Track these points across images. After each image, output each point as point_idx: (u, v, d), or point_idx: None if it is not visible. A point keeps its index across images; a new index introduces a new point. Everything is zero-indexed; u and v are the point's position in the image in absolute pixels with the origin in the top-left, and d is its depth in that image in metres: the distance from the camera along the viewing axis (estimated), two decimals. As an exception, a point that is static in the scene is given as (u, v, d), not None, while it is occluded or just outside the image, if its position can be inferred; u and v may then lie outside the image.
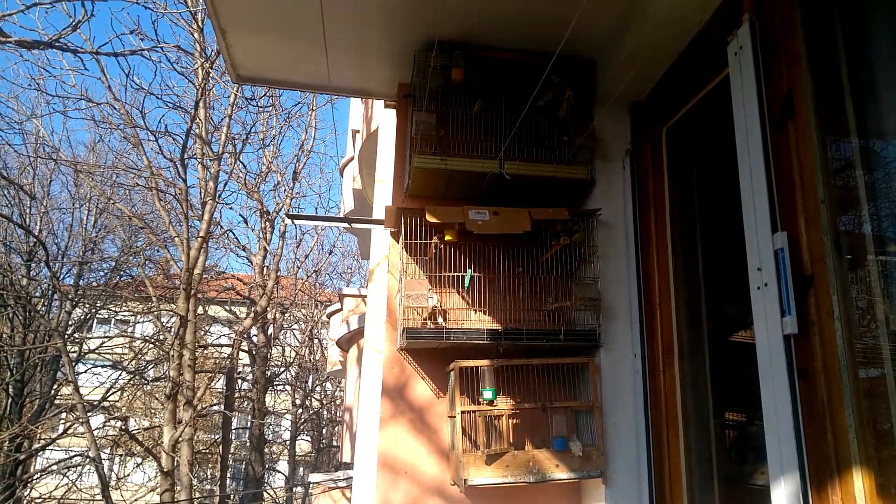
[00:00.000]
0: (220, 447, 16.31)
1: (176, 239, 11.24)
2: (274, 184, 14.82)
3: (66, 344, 12.56)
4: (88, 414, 12.56)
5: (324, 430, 22.54)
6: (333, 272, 23.69)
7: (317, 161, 28.07)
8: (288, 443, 21.91)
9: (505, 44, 2.93)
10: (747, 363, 2.02)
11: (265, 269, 14.48)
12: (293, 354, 20.89)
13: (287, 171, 14.79)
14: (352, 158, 8.31)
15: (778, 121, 1.95)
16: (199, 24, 10.31)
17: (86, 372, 16.02)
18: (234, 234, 18.59)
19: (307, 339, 20.70)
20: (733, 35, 2.14)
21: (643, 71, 2.85)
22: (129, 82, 16.07)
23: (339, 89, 3.52)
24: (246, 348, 16.55)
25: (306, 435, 22.80)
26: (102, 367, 16.19)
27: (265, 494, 17.92)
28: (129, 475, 16.85)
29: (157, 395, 15.35)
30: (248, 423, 18.85)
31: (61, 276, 15.75)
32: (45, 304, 15.98)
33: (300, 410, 21.36)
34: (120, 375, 15.34)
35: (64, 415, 15.11)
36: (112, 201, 13.67)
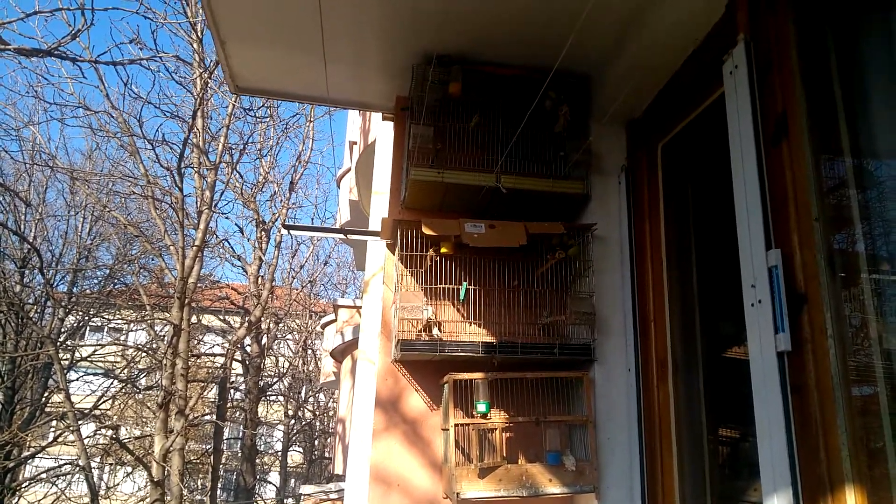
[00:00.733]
0: (212, 457, 16.21)
1: (171, 248, 11.21)
2: (270, 194, 14.84)
3: (59, 351, 12.49)
4: (79, 422, 12.47)
5: (316, 442, 22.42)
6: (328, 283, 23.66)
7: (314, 172, 28.16)
8: (280, 454, 21.77)
9: (503, 59, 2.95)
10: (741, 379, 2.02)
11: (260, 278, 14.45)
12: (287, 365, 20.80)
13: (284, 181, 14.83)
14: (349, 170, 8.33)
15: (772, 139, 1.96)
16: (199, 34, 10.35)
17: (77, 380, 15.90)
18: (229, 244, 18.52)
19: (301, 349, 20.63)
20: (728, 54, 2.17)
21: (639, 88, 2.88)
22: (128, 91, 16.10)
23: (337, 101, 3.53)
24: (239, 358, 16.49)
25: (298, 446, 22.68)
26: (94, 375, 16.09)
27: (256, 506, 17.77)
28: (118, 484, 16.70)
29: (148, 404, 15.25)
30: (240, 434, 18.73)
31: (55, 284, 15.68)
32: (38, 310, 15.90)
33: (293, 421, 21.24)
34: (112, 384, 15.23)
35: (54, 422, 14.98)
36: (108, 209, 13.62)
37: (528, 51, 2.87)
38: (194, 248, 10.78)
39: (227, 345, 15.55)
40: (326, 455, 21.49)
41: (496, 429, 2.72)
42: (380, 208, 4.34)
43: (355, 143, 7.79)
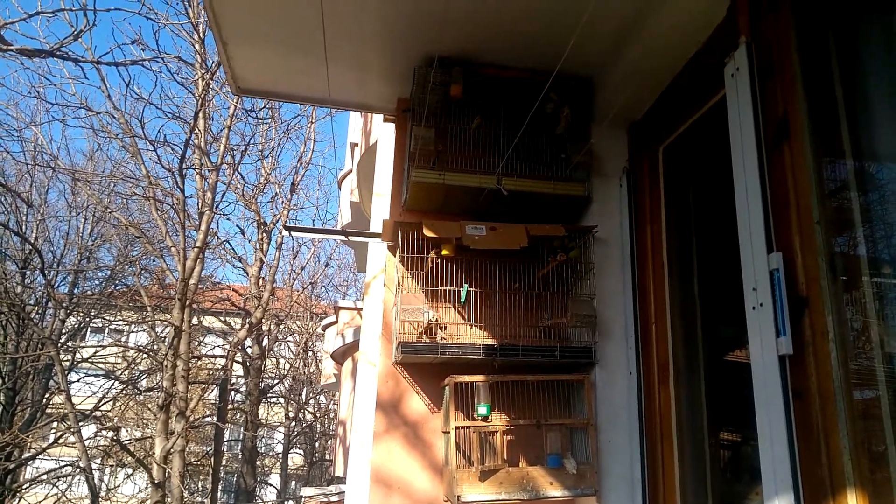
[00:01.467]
0: (212, 459, 16.20)
1: (172, 249, 11.21)
2: (272, 195, 14.83)
3: (59, 352, 12.49)
4: (80, 423, 12.47)
5: (317, 444, 22.39)
6: (329, 284, 23.66)
7: (315, 173, 28.16)
8: (280, 456, 21.75)
9: (504, 61, 2.95)
10: (742, 383, 2.02)
11: (261, 280, 14.45)
12: (287, 367, 20.80)
13: (285, 182, 14.81)
14: (350, 171, 8.33)
15: (773, 142, 1.96)
16: (201, 35, 10.36)
17: (78, 381, 15.91)
18: (230, 245, 18.55)
19: (302, 351, 20.61)
20: (730, 56, 2.16)
21: (640, 90, 2.88)
22: (130, 92, 16.07)
23: (339, 103, 3.54)
24: (240, 359, 16.48)
25: (299, 448, 22.65)
26: (95, 376, 16.09)
27: (256, 508, 17.76)
28: (119, 486, 16.68)
29: (149, 406, 15.25)
30: (241, 436, 18.72)
31: (56, 285, 15.69)
32: (39, 311, 15.90)
33: (293, 423, 21.22)
34: (113, 385, 15.23)
35: (55, 424, 14.97)
36: (109, 210, 13.63)
37: (529, 53, 2.87)
38: (195, 249, 10.78)
39: (227, 346, 15.54)
40: (327, 457, 21.47)
41: (497, 431, 2.72)
42: (381, 210, 4.33)
43: (357, 144, 7.79)
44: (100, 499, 12.73)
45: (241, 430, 18.16)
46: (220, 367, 16.25)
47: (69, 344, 15.39)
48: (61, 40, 7.32)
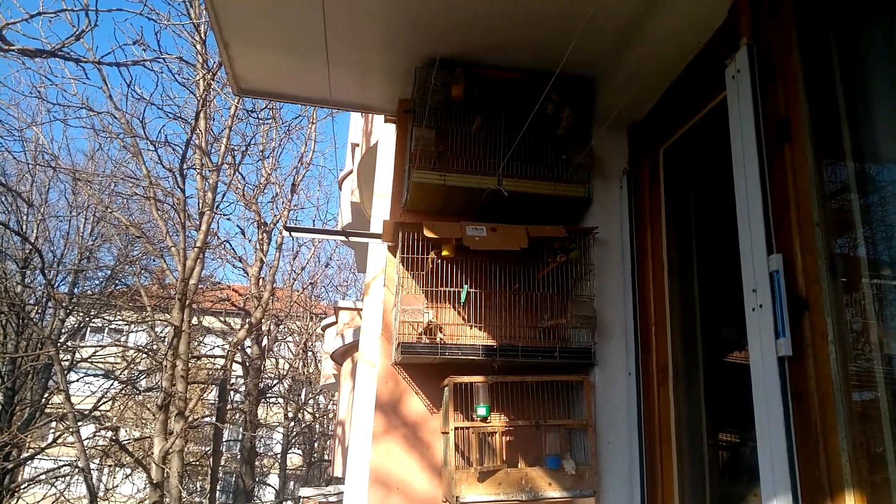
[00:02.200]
0: (211, 459, 16.18)
1: (172, 249, 11.21)
2: (272, 196, 14.83)
3: (59, 352, 12.48)
4: (79, 423, 12.46)
5: (316, 444, 22.38)
6: (329, 285, 23.66)
7: (315, 174, 28.18)
8: (279, 456, 21.73)
9: (505, 62, 2.95)
10: (741, 384, 2.02)
11: (261, 280, 14.44)
12: (287, 367, 20.78)
13: (286, 183, 14.81)
14: (350, 172, 8.34)
15: (774, 143, 1.96)
16: (202, 35, 10.36)
17: (78, 381, 15.90)
18: (230, 245, 18.55)
19: (301, 351, 20.60)
20: (731, 58, 2.17)
21: (641, 91, 2.88)
22: (131, 92, 16.16)
23: (340, 103, 3.54)
24: (239, 360, 16.47)
25: (298, 448, 22.63)
26: (94, 376, 16.08)
27: (255, 508, 17.74)
28: (118, 486, 16.66)
29: (148, 406, 15.24)
30: (240, 436, 18.71)
31: (56, 284, 15.68)
32: (39, 311, 15.90)
33: (292, 423, 21.21)
34: (112, 385, 15.23)
35: (54, 424, 14.97)
36: (110, 210, 13.62)
37: (530, 54, 2.87)
38: (196, 249, 10.78)
39: (227, 346, 15.54)
40: (326, 458, 21.45)
41: (496, 432, 2.72)
42: (381, 211, 4.33)
43: (357, 145, 7.80)
44: (98, 499, 12.72)
45: (240, 430, 18.15)
46: (219, 367, 16.24)
47: (69, 343, 15.38)
48: (63, 40, 7.33)
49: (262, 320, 14.62)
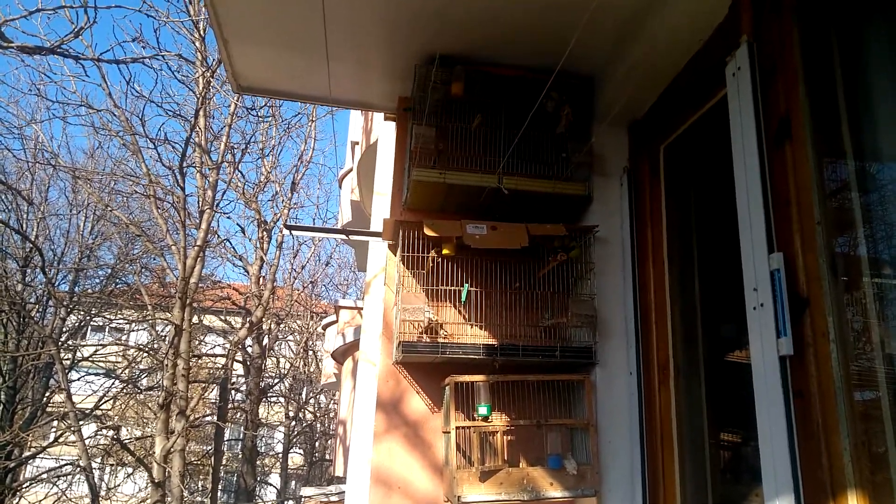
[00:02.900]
0: (212, 459, 16.21)
1: (173, 247, 11.21)
2: (272, 194, 14.84)
3: (60, 351, 12.50)
4: (80, 422, 12.47)
5: (317, 444, 22.40)
6: (330, 283, 23.67)
7: (315, 172, 28.12)
8: (280, 455, 21.76)
9: (505, 59, 2.95)
10: (743, 383, 2.02)
11: (261, 279, 14.45)
12: (288, 366, 20.80)
13: (285, 181, 14.80)
14: (350, 170, 8.33)
15: (775, 141, 1.96)
16: (201, 32, 10.36)
17: (79, 380, 15.91)
18: (231, 244, 18.54)
19: (302, 350, 20.62)
20: (731, 56, 2.16)
21: (642, 89, 2.87)
22: (130, 89, 16.15)
23: (340, 101, 3.53)
24: (240, 359, 16.48)
25: (299, 448, 22.66)
26: (96, 375, 16.10)
27: (256, 507, 17.76)
28: (119, 485, 16.70)
29: (149, 405, 15.26)
30: (241, 435, 18.73)
31: (57, 283, 15.69)
32: (40, 310, 15.91)
33: (293, 423, 21.23)
34: (113, 384, 15.24)
35: (55, 423, 14.98)
36: (110, 208, 13.63)
37: (530, 52, 2.87)
38: (196, 247, 10.78)
39: (228, 345, 15.54)
40: (327, 457, 21.48)
41: (497, 432, 2.72)
42: (381, 209, 4.33)
43: (357, 143, 7.79)
44: (100, 498, 12.74)
45: (242, 429, 18.18)
46: (220, 366, 16.26)
47: (70, 342, 15.40)
48: (62, 38, 7.32)
49: (263, 319, 14.63)
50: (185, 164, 10.79)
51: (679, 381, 2.63)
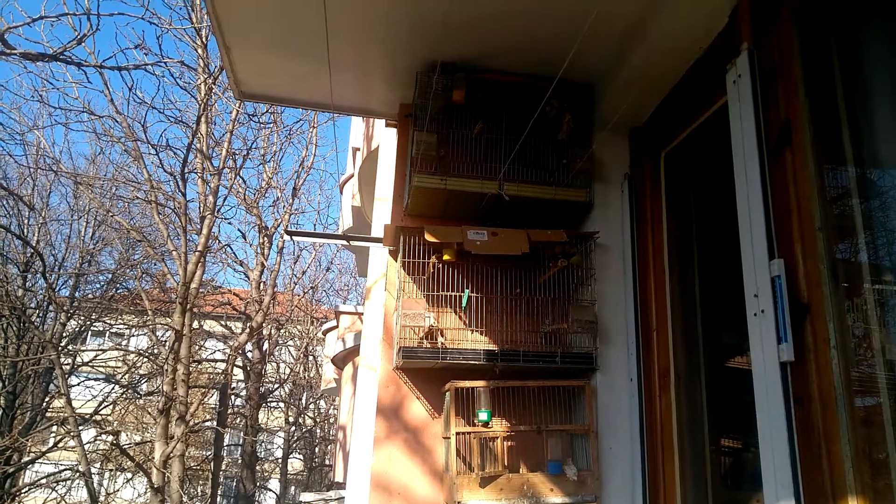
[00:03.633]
0: (212, 464, 16.16)
1: (174, 252, 11.21)
2: (273, 199, 14.86)
3: (60, 356, 12.48)
4: (80, 427, 12.44)
5: (316, 449, 22.35)
6: (330, 289, 23.63)
7: (316, 178, 28.14)
8: (280, 461, 21.70)
9: (506, 66, 2.96)
10: (743, 389, 2.02)
11: (262, 284, 14.44)
12: (288, 371, 20.76)
13: (287, 187, 14.79)
14: (351, 176, 8.34)
15: (775, 148, 1.96)
16: (203, 40, 10.38)
17: (78, 385, 15.89)
18: (231, 249, 18.58)
19: (302, 355, 20.59)
20: (732, 63, 2.17)
21: (642, 96, 2.88)
22: (132, 96, 16.14)
23: (341, 108, 3.54)
24: (240, 364, 16.46)
25: (299, 453, 22.60)
26: (95, 380, 16.07)
27: (256, 513, 17.70)
28: (118, 490, 16.62)
29: (149, 410, 15.23)
30: (241, 440, 18.68)
31: (57, 288, 15.67)
32: (40, 315, 15.89)
33: (293, 428, 21.18)
34: (113, 389, 15.22)
35: (55, 428, 14.95)
36: (111, 214, 13.63)
37: (531, 59, 2.88)
38: (197, 253, 10.77)
39: (228, 350, 15.52)
40: (327, 462, 21.42)
41: (497, 437, 2.71)
42: (382, 215, 4.33)
43: (358, 149, 7.80)
44: (99, 503, 12.69)
45: (241, 434, 18.13)
46: (220, 371, 16.23)
47: (70, 347, 15.38)
48: (65, 44, 7.35)
49: (263, 324, 14.61)
50: (186, 170, 10.79)
51: (680, 386, 2.63)
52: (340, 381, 11.05)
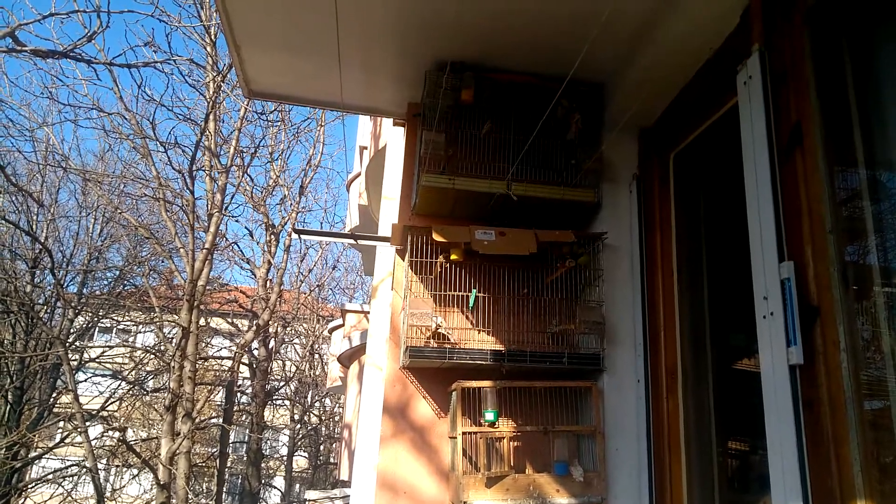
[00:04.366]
0: (218, 461, 16.21)
1: (181, 250, 11.25)
2: (280, 198, 14.84)
3: (67, 352, 12.54)
4: (87, 423, 12.51)
5: (321, 447, 22.40)
6: (336, 287, 23.68)
7: (324, 176, 28.20)
8: (285, 458, 21.76)
9: (515, 66, 2.96)
10: (751, 392, 2.01)
11: (268, 282, 14.48)
12: (293, 369, 20.82)
13: (294, 185, 14.83)
14: (358, 174, 8.35)
15: (786, 150, 1.95)
16: (213, 37, 10.41)
17: (86, 381, 15.97)
18: (238, 247, 18.60)
19: (308, 353, 20.64)
20: (743, 64, 2.16)
21: (652, 97, 2.87)
22: (141, 93, 16.22)
23: (350, 107, 3.55)
24: (247, 361, 16.51)
25: (304, 451, 22.66)
26: (102, 376, 16.16)
27: (261, 510, 17.76)
28: (125, 486, 16.73)
29: (156, 407, 15.29)
30: (246, 438, 18.75)
31: (65, 284, 15.76)
32: (48, 311, 15.98)
33: (298, 426, 21.24)
34: (120, 385, 15.29)
35: (62, 423, 15.04)
36: (119, 211, 13.70)
37: (541, 59, 2.87)
38: (204, 250, 10.81)
39: (234, 348, 15.57)
40: (332, 460, 21.47)
41: (504, 438, 2.71)
42: (389, 214, 4.34)
43: (366, 147, 7.80)
44: (105, 499, 12.76)
45: (247, 431, 18.20)
46: (226, 368, 16.28)
47: (77, 344, 15.47)
48: (74, 42, 7.39)
49: (270, 322, 14.65)
50: (194, 168, 10.83)
51: (687, 388, 2.62)
52: (346, 380, 11.07)
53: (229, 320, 18.25)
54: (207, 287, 12.16)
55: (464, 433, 2.65)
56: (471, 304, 2.88)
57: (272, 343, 17.54)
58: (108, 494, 14.95)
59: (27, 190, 14.75)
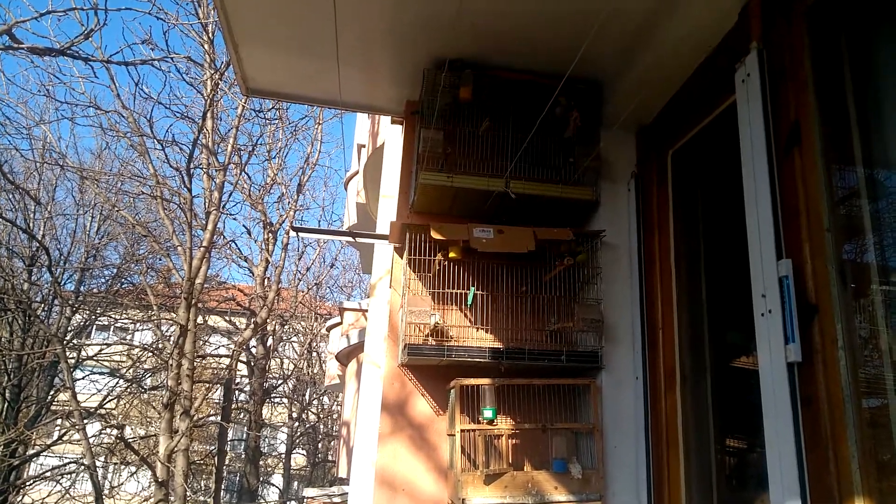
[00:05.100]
0: (216, 458, 16.21)
1: (179, 248, 11.22)
2: (278, 196, 14.83)
3: (65, 350, 12.53)
4: (85, 421, 12.49)
5: (319, 445, 22.41)
6: (334, 285, 23.68)
7: (321, 174, 28.16)
8: (283, 456, 21.77)
9: (514, 64, 2.95)
10: (750, 389, 2.01)
11: (266, 280, 14.48)
12: (291, 367, 20.81)
13: (292, 183, 14.82)
14: (356, 172, 8.34)
15: (784, 148, 1.96)
16: (210, 35, 10.38)
17: (83, 378, 15.96)
18: (236, 245, 18.59)
19: (306, 351, 20.63)
20: (741, 62, 2.16)
21: (650, 95, 2.87)
22: (138, 91, 16.10)
23: (348, 105, 3.54)
24: (244, 359, 16.50)
25: (302, 449, 22.67)
26: (100, 374, 16.13)
27: (259, 507, 17.76)
28: (123, 484, 16.72)
29: (154, 404, 15.28)
30: (244, 435, 18.75)
31: (63, 282, 15.74)
32: (46, 309, 15.95)
33: (296, 424, 21.24)
34: (117, 383, 15.27)
35: (60, 421, 15.01)
36: (116, 208, 13.67)
37: (539, 57, 2.87)
38: (202, 248, 10.79)
39: (232, 346, 15.57)
40: (330, 458, 21.48)
41: (502, 435, 2.72)
42: (387, 212, 4.34)
43: (363, 145, 7.79)
44: (103, 496, 12.75)
45: (245, 429, 18.20)
46: (224, 366, 16.27)
47: (75, 341, 15.45)
48: (72, 39, 7.36)
49: (268, 320, 14.65)
50: (192, 166, 10.80)
51: (685, 386, 2.63)
52: (344, 378, 11.07)
53: (227, 318, 18.24)
54: (205, 285, 12.15)
55: (462, 430, 2.65)
56: (469, 302, 2.88)
57: (270, 341, 17.55)
58: (106, 492, 14.93)
59: (24, 188, 14.73)
